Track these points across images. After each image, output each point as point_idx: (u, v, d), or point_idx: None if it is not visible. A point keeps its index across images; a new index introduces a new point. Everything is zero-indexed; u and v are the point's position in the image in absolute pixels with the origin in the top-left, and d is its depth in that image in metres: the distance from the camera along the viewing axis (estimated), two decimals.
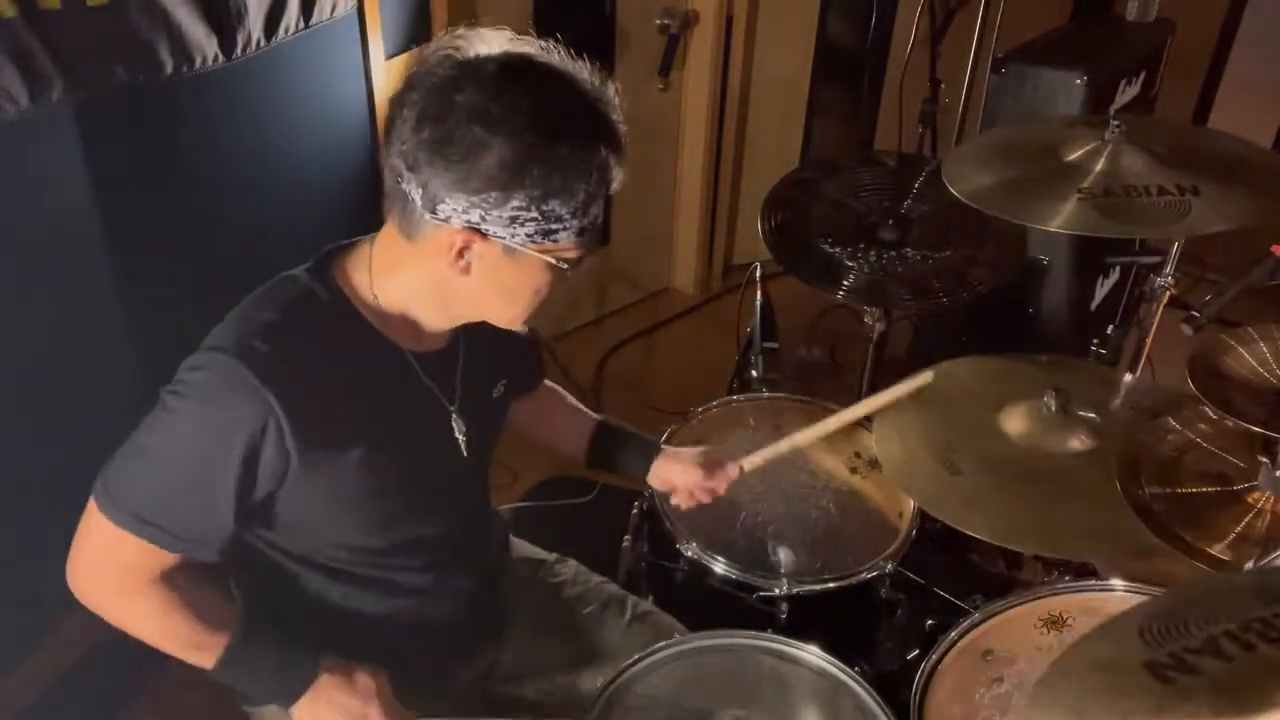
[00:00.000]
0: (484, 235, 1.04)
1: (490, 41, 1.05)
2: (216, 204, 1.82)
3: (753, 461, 1.49)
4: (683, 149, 3.33)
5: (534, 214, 1.03)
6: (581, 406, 1.56)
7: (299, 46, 1.87)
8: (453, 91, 1.00)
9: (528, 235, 1.04)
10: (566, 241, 1.07)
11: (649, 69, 3.02)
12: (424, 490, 1.24)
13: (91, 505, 1.09)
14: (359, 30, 2.03)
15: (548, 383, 1.53)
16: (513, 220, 1.03)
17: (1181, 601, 0.95)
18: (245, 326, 1.07)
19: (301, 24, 1.85)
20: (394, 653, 1.27)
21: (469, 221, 1.03)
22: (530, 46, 1.05)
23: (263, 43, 1.77)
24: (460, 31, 1.05)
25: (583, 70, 1.05)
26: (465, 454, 1.26)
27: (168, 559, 1.11)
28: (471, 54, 1.03)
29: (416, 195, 1.03)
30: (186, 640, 1.15)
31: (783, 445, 1.50)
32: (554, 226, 1.04)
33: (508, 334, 1.23)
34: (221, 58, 1.70)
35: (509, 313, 1.15)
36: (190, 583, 1.14)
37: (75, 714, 1.85)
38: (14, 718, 1.69)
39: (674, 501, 1.53)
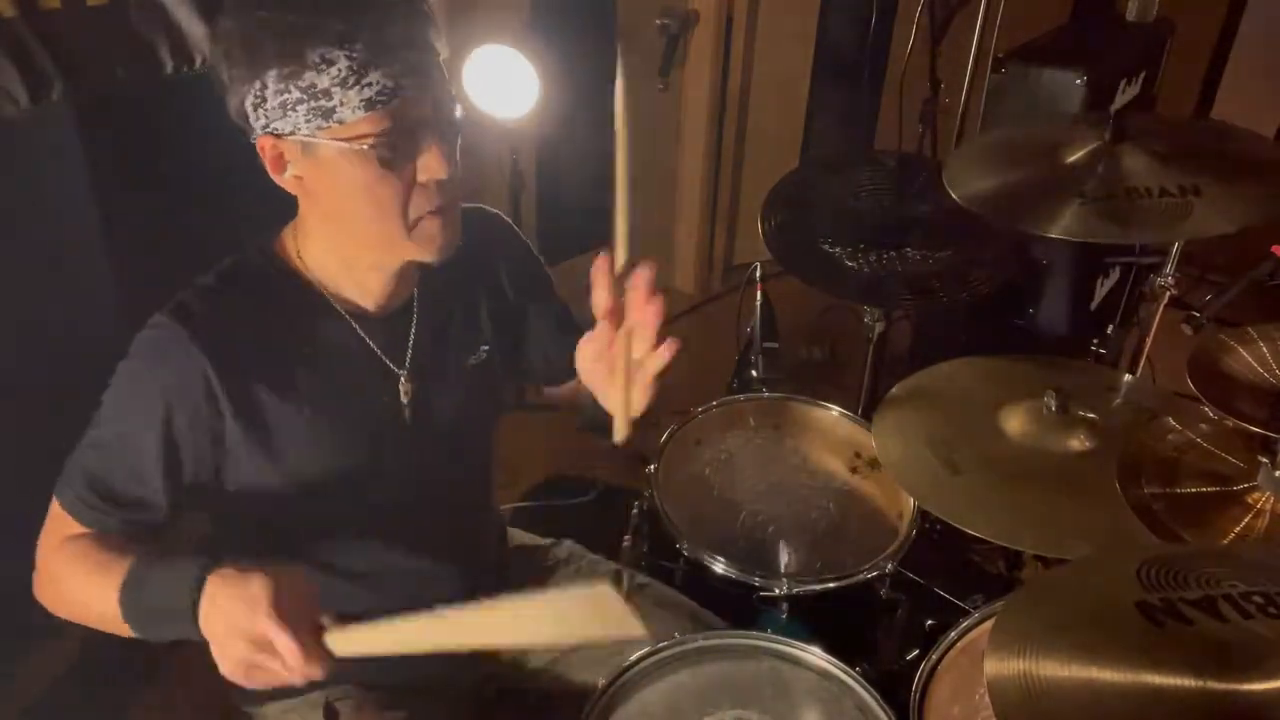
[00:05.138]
0: (276, 135, 0.99)
1: None
2: (216, 203, 1.82)
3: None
4: (683, 149, 3.33)
5: (296, 94, 0.94)
6: None
7: None
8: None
9: (307, 121, 0.96)
10: (353, 117, 0.95)
11: (649, 69, 3.02)
12: (370, 457, 1.18)
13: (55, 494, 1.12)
14: None
15: None
16: (283, 107, 0.95)
17: (1185, 555, 0.95)
18: (185, 294, 1.10)
19: None
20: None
21: (264, 127, 0.99)
22: None
23: None
24: None
25: None
26: (410, 419, 1.20)
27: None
28: None
29: (232, 112, 1.02)
30: (99, 596, 1.02)
31: None
32: (328, 104, 0.94)
33: (503, 300, 1.25)
34: None
35: (371, 229, 1.05)
36: (103, 540, 1.09)
37: (77, 713, 1.85)
38: (15, 717, 1.69)
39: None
